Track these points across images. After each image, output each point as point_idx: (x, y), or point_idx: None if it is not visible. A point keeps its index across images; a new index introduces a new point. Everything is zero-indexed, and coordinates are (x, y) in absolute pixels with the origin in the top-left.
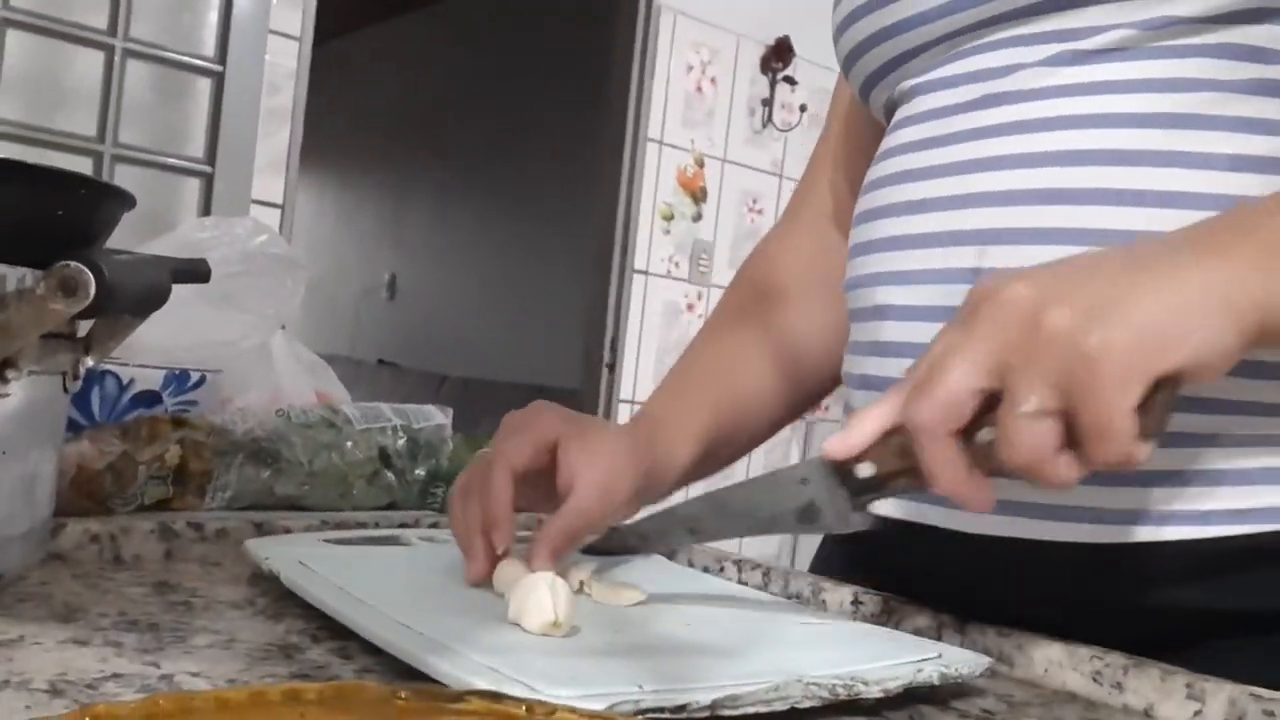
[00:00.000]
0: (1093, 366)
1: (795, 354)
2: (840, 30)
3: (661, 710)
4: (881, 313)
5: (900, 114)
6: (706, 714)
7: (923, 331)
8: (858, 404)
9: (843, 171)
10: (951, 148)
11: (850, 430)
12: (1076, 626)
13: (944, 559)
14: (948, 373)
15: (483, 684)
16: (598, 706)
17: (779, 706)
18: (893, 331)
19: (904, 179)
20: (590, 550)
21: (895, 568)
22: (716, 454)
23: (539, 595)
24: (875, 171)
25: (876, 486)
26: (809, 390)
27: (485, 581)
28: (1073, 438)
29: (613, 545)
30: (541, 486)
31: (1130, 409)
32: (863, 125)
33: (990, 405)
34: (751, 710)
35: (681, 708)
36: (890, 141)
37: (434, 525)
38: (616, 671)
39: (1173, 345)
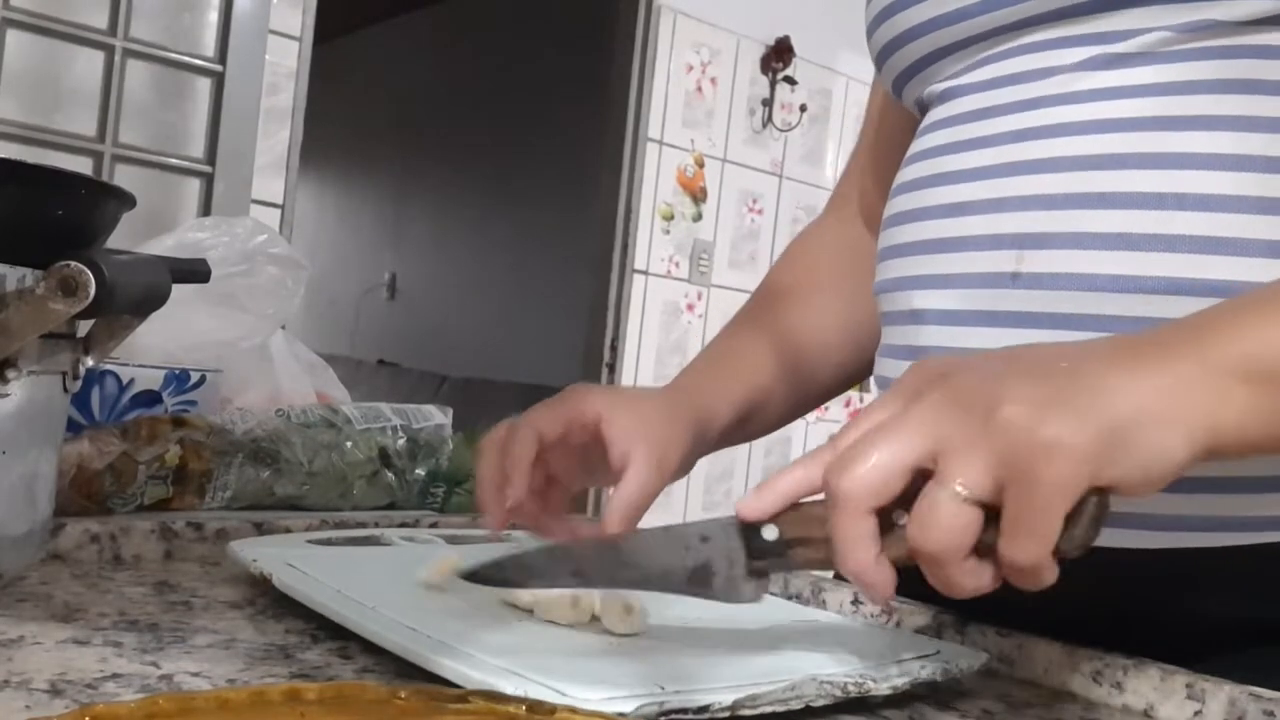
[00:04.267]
0: (1038, 462)
1: (796, 352)
2: (875, 24)
3: (685, 711)
4: (919, 317)
5: (932, 116)
6: (727, 714)
7: (961, 336)
8: None
9: (871, 175)
10: (988, 150)
11: (764, 490)
12: (1090, 632)
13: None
14: (881, 445)
15: (509, 688)
16: (626, 709)
17: (794, 705)
18: (931, 336)
19: (939, 181)
20: (471, 578)
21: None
22: (748, 422)
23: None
24: (907, 174)
25: (778, 553)
26: (809, 390)
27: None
28: (979, 549)
29: (493, 577)
30: (576, 459)
31: (1063, 512)
32: (894, 128)
33: (912, 493)
34: (768, 709)
35: (704, 708)
36: (922, 144)
37: (434, 525)
38: (634, 673)
39: (1122, 456)
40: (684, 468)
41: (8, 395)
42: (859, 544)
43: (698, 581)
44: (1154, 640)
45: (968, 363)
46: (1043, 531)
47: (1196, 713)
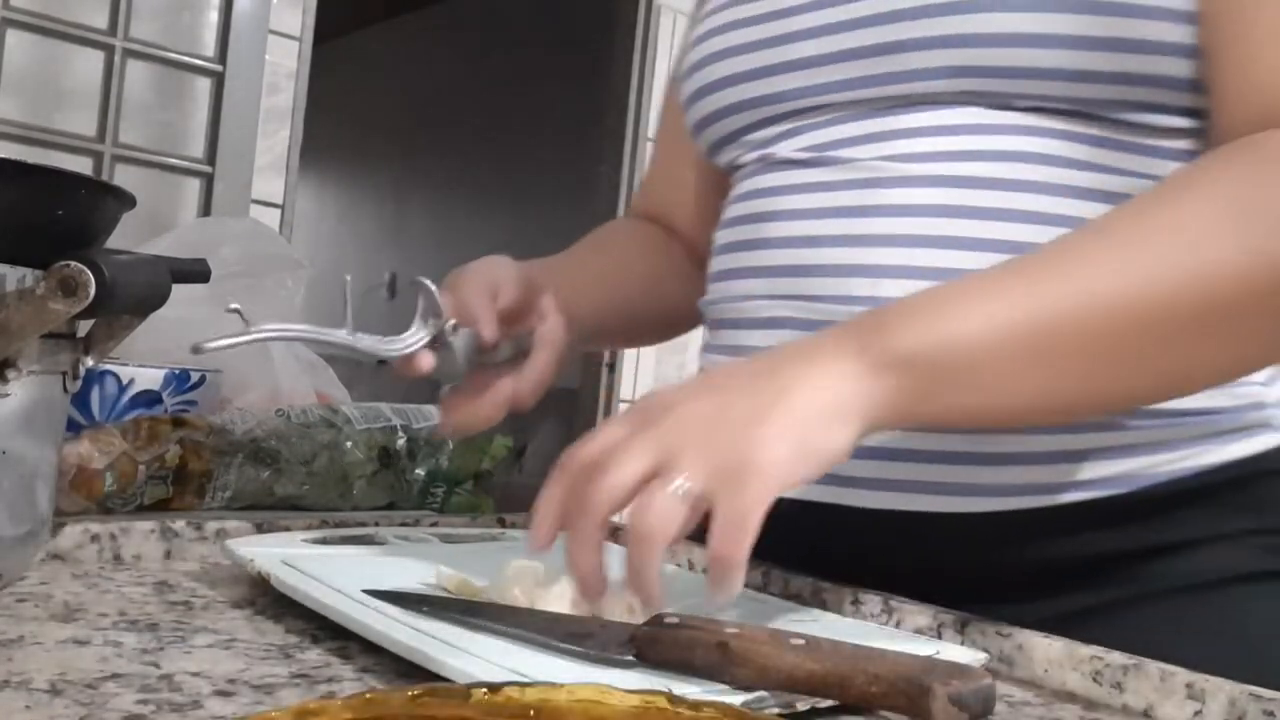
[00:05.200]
0: (749, 471)
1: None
2: (691, 101)
3: None
4: (777, 323)
5: (772, 152)
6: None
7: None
8: None
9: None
10: (841, 193)
11: (537, 523)
12: (879, 580)
13: (833, 533)
14: (621, 461)
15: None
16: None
17: (801, 706)
18: (782, 340)
19: (789, 216)
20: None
21: (789, 542)
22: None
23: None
24: (750, 206)
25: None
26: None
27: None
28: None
29: (396, 598)
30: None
31: (759, 511)
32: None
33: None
34: (776, 710)
35: None
36: (765, 181)
37: (434, 525)
38: (638, 673)
39: (810, 458)
40: (520, 288)
41: (8, 395)
42: (586, 547)
43: (575, 640)
44: (965, 589)
45: (689, 392)
46: (748, 526)
47: (1196, 713)
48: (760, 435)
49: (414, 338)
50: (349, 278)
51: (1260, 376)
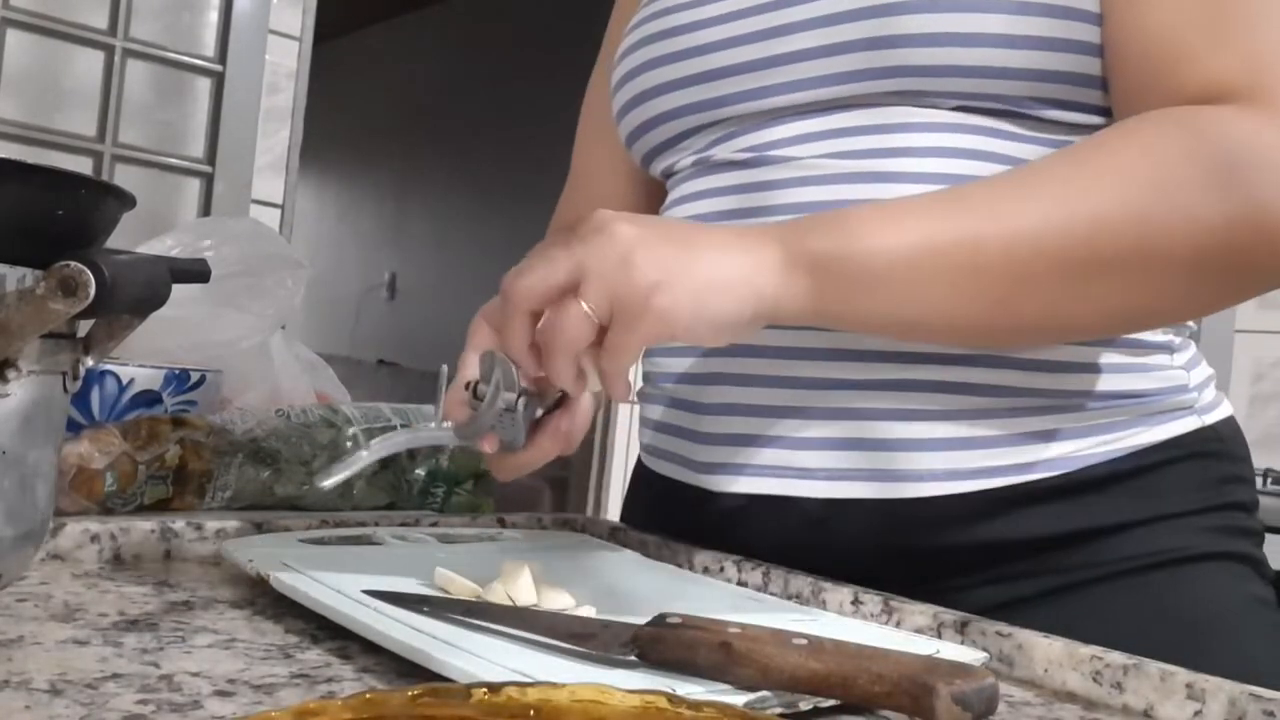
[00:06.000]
0: (644, 306)
1: None
2: (623, 112)
3: None
4: None
5: (710, 155)
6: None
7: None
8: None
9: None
10: (780, 191)
11: (471, 334)
12: (820, 568)
13: (780, 524)
14: (542, 267)
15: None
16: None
17: (804, 706)
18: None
19: (730, 218)
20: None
21: (670, 515)
22: None
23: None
24: (689, 209)
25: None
26: None
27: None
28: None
29: (392, 597)
30: None
31: (643, 345)
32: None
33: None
34: (778, 710)
35: None
36: (703, 183)
37: (434, 525)
38: (642, 680)
39: (700, 317)
40: None
41: (8, 395)
42: (516, 334)
43: (577, 640)
44: (910, 573)
45: (625, 218)
46: (628, 355)
47: (1196, 713)
48: (663, 284)
49: (488, 416)
50: (445, 368)
51: (1180, 360)
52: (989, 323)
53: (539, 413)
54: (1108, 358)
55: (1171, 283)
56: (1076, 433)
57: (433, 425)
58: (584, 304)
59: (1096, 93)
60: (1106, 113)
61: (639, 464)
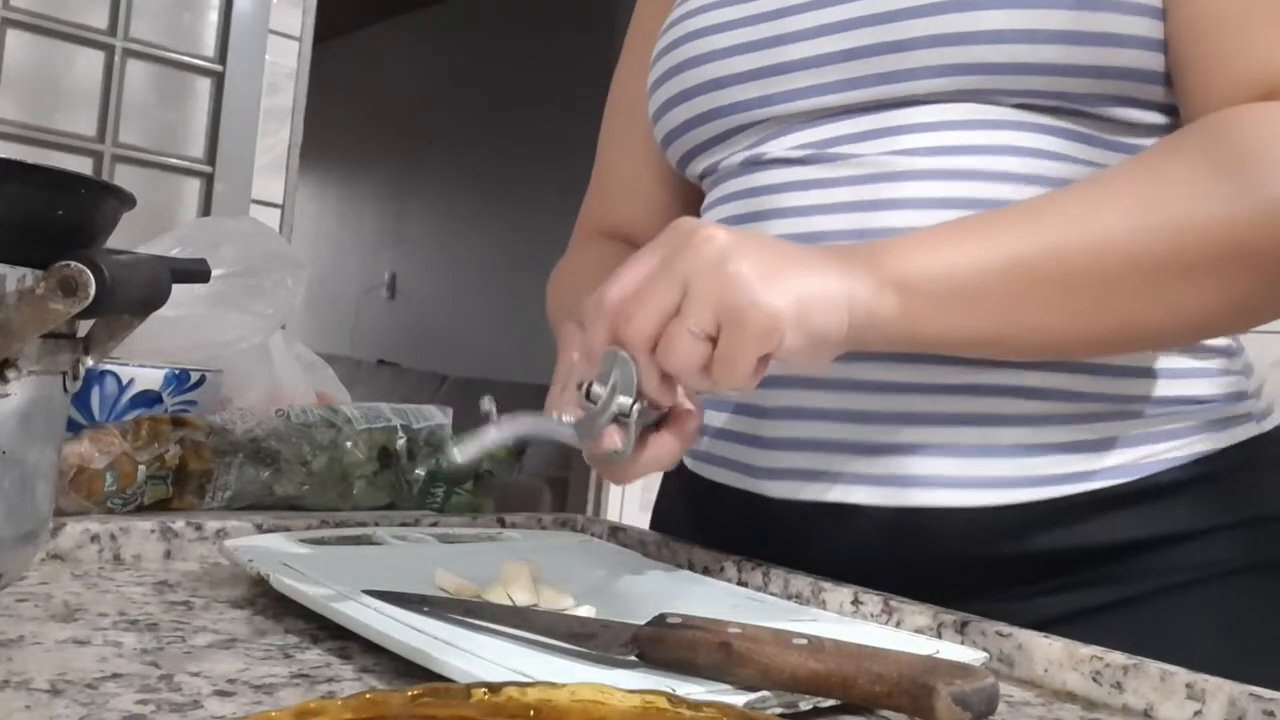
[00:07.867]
0: (748, 315)
1: None
2: (660, 113)
3: None
4: None
5: (762, 152)
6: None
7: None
8: None
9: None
10: (845, 188)
11: (558, 390)
12: (887, 578)
13: (768, 521)
14: (649, 301)
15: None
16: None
17: (804, 706)
18: None
19: (789, 214)
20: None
21: (726, 525)
22: None
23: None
24: (741, 206)
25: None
26: None
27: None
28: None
29: (393, 597)
30: None
31: (759, 356)
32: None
33: None
34: (778, 710)
35: None
36: (756, 180)
37: (434, 525)
38: (642, 680)
39: (803, 327)
40: None
41: (8, 395)
42: (653, 374)
43: (577, 640)
44: (966, 586)
45: (717, 225)
46: (743, 366)
47: (1196, 713)
48: (768, 287)
49: (604, 418)
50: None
51: (1238, 364)
52: (1076, 334)
53: (653, 417)
54: (1167, 362)
55: (1256, 285)
56: (1139, 439)
57: (555, 419)
58: (689, 325)
59: (1159, 89)
60: (1170, 110)
61: (675, 474)
